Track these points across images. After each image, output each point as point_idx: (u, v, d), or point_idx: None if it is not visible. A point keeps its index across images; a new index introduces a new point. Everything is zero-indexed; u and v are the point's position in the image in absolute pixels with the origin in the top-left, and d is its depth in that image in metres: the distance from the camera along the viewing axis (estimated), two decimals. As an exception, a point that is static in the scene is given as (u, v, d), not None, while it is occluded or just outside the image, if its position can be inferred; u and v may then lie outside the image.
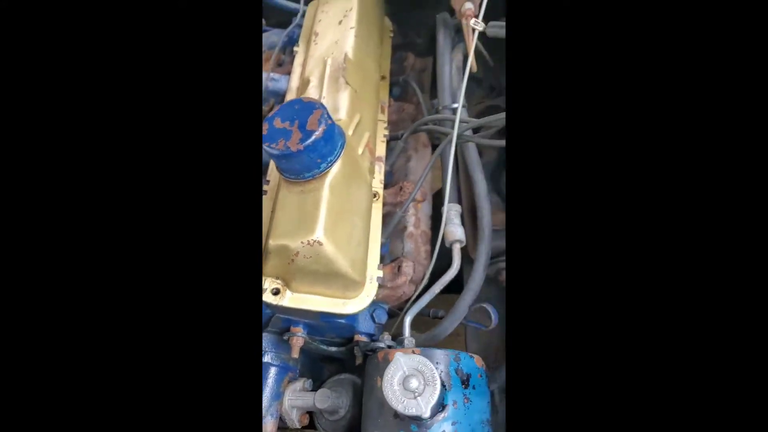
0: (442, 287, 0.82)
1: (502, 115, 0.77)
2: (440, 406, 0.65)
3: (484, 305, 0.78)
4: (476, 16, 0.82)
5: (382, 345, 0.76)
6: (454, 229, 0.84)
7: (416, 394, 0.56)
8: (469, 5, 0.84)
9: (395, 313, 0.87)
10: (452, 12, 0.92)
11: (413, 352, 0.70)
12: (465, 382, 0.69)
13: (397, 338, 0.81)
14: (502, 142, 0.79)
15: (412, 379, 0.57)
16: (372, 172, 0.85)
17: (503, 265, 0.88)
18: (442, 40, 0.92)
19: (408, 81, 1.08)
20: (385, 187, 0.95)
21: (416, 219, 0.92)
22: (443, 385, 0.66)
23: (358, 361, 0.80)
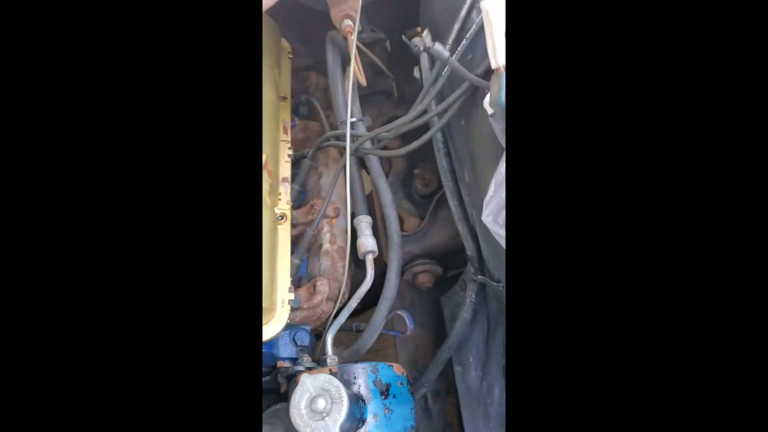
0: (358, 300, 0.82)
1: (393, 125, 0.79)
2: (359, 422, 0.65)
3: (400, 312, 0.79)
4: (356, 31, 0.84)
5: (300, 368, 0.75)
6: (365, 241, 0.85)
7: (324, 414, 0.55)
8: (347, 22, 0.86)
9: (321, 333, 0.86)
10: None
11: (330, 371, 0.70)
12: (385, 393, 0.69)
13: (321, 358, 0.80)
14: (398, 152, 0.81)
15: (319, 400, 0.56)
16: (275, 193, 0.84)
17: (419, 268, 0.90)
18: (331, 58, 0.94)
19: (310, 99, 1.09)
20: (297, 207, 0.95)
21: (331, 235, 0.92)
22: (358, 400, 0.66)
23: (282, 388, 0.79)
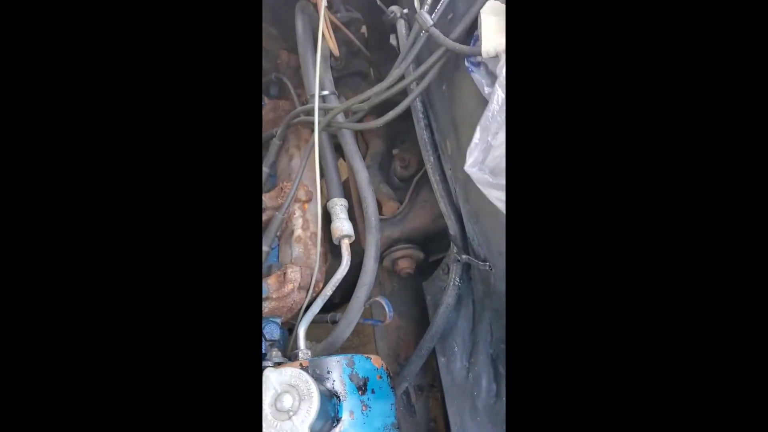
0: (333, 288, 0.75)
1: (365, 94, 0.73)
2: (333, 420, 0.58)
3: (378, 299, 0.72)
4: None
5: (269, 364, 0.68)
6: (340, 225, 0.78)
7: (291, 413, 0.48)
8: (318, -16, 0.79)
9: (293, 325, 0.79)
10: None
11: (301, 366, 0.63)
12: (362, 388, 0.63)
13: (292, 353, 0.73)
14: (374, 124, 0.74)
15: (284, 397, 0.49)
16: (240, 174, 0.77)
17: (399, 254, 0.83)
18: (301, 28, 0.87)
19: (280, 77, 1.01)
20: (269, 190, 0.88)
21: (304, 220, 0.85)
22: (332, 396, 0.59)
23: (250, 386, 0.71)
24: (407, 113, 0.70)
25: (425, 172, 0.84)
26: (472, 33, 0.57)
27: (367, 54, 1.09)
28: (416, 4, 0.61)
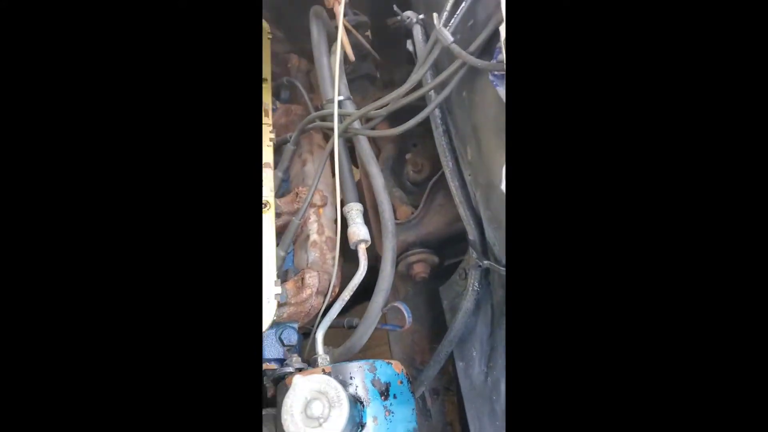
0: (351, 293, 0.75)
1: (385, 99, 0.73)
2: (358, 426, 0.59)
3: (396, 304, 0.72)
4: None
5: (290, 369, 0.68)
6: (357, 229, 0.78)
7: (321, 420, 0.48)
8: (335, -12, 0.79)
9: (310, 330, 0.80)
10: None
11: (324, 371, 0.63)
12: (384, 393, 0.63)
13: (311, 358, 0.73)
14: (393, 132, 0.74)
15: (314, 404, 0.49)
16: (257, 180, 0.77)
17: (414, 258, 0.84)
18: (316, 32, 0.87)
19: (293, 81, 1.01)
20: (281, 195, 0.88)
21: (319, 225, 0.85)
22: (356, 402, 0.59)
23: (270, 392, 0.72)
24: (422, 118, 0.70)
25: (440, 176, 0.84)
26: (493, 43, 0.58)
27: (376, 57, 1.09)
28: (434, 20, 0.61)
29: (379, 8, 1.19)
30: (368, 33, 1.12)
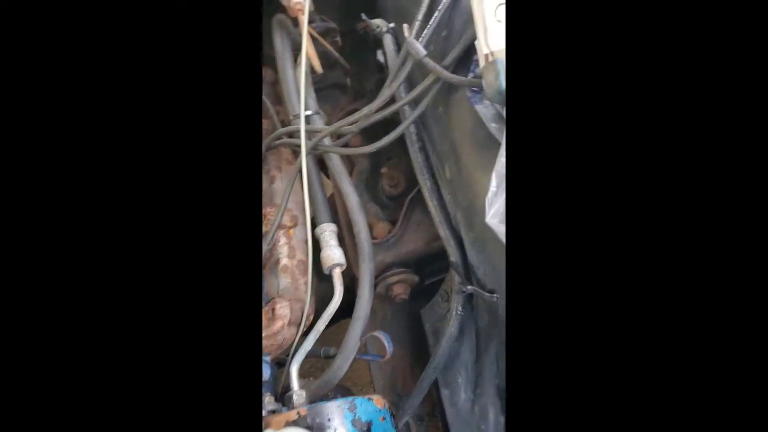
0: (326, 322, 0.70)
1: (357, 115, 0.68)
2: (338, 476, 0.54)
3: (376, 334, 0.68)
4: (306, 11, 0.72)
5: (263, 413, 0.62)
6: (331, 252, 0.74)
7: (296, 479, 0.43)
8: (297, -1, 0.74)
9: (284, 362, 0.74)
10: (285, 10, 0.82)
11: (299, 414, 0.58)
12: (366, 433, 0.58)
13: (285, 395, 0.68)
14: (365, 150, 0.70)
15: (288, 461, 0.44)
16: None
17: (393, 279, 0.79)
18: (280, 43, 0.82)
19: (257, 94, 0.95)
20: (249, 217, 0.82)
21: (289, 248, 0.80)
22: (335, 451, 0.54)
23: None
24: (395, 125, 0.66)
25: (416, 192, 0.81)
26: (470, 56, 0.54)
27: (345, 65, 1.05)
28: (405, 31, 0.57)
29: (347, 12, 1.15)
30: (338, 38, 1.08)
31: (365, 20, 0.72)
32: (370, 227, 0.84)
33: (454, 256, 0.64)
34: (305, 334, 0.72)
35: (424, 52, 0.56)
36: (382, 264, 0.79)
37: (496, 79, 0.44)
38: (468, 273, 0.63)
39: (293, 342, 0.72)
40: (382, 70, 0.86)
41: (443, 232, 0.64)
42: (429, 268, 0.82)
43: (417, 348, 0.84)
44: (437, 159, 0.64)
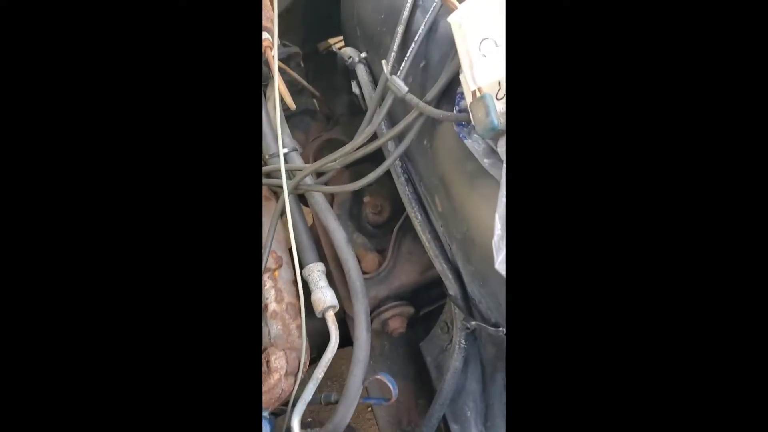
0: (324, 370, 0.67)
1: (338, 153, 0.66)
2: None
3: (379, 377, 0.65)
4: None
5: (268, 477, 0.59)
6: (322, 295, 0.70)
7: None
8: (265, 35, 0.72)
9: (283, 412, 0.71)
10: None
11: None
12: (381, 488, 0.55)
13: (289, 452, 0.64)
14: (349, 187, 0.68)
15: None
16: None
17: (389, 314, 0.77)
18: (249, 79, 0.78)
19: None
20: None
21: (276, 291, 0.76)
22: None
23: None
24: (376, 154, 0.64)
25: (404, 220, 0.78)
26: (453, 88, 0.52)
27: (313, 92, 1.02)
28: (384, 67, 0.55)
29: (308, 35, 1.12)
30: (301, 62, 1.05)
31: (336, 52, 0.69)
32: (359, 259, 0.81)
33: (452, 289, 0.62)
34: (303, 382, 0.68)
35: (405, 89, 0.54)
36: (376, 299, 0.76)
37: (487, 115, 0.42)
38: (469, 306, 0.61)
39: (292, 392, 0.69)
40: (350, 90, 0.83)
41: (439, 265, 0.62)
42: (424, 298, 0.79)
43: (417, 377, 0.82)
44: (425, 191, 0.62)
